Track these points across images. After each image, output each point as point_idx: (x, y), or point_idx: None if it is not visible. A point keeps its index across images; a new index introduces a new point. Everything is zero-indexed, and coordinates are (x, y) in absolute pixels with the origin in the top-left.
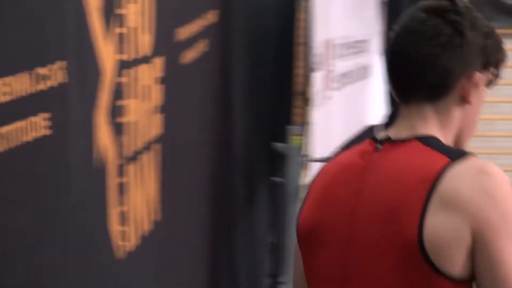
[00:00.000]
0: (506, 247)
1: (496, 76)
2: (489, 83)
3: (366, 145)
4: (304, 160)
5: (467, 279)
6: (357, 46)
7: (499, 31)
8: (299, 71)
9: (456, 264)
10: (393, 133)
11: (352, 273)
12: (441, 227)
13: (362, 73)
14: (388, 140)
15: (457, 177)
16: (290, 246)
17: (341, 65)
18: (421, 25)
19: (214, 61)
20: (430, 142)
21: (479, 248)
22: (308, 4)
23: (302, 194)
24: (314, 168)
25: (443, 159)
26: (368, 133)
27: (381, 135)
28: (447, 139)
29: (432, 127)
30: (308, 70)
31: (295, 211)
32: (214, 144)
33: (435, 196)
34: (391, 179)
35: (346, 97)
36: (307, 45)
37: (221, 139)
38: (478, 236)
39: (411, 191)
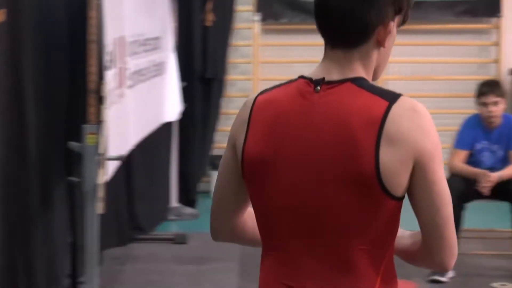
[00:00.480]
0: (439, 169)
1: (406, 17)
2: (400, 25)
3: (302, 85)
4: (100, 159)
5: (403, 197)
6: (150, 44)
7: (293, 27)
8: (92, 69)
9: (401, 187)
10: (325, 75)
11: (308, 199)
12: (392, 159)
13: (156, 70)
14: (323, 81)
15: (397, 117)
16: (89, 245)
17: (135, 63)
18: None
19: (2, 61)
20: (361, 83)
21: (418, 172)
22: (100, 1)
23: (100, 193)
24: (110, 167)
25: (382, 102)
26: (166, 130)
27: (314, 76)
28: (369, 77)
29: (357, 69)
30: (101, 68)
31: (93, 210)
32: (7, 144)
33: (383, 135)
34: (339, 119)
35: (141, 94)
36: (99, 43)
37: (14, 139)
38: (417, 163)
39: (363, 132)
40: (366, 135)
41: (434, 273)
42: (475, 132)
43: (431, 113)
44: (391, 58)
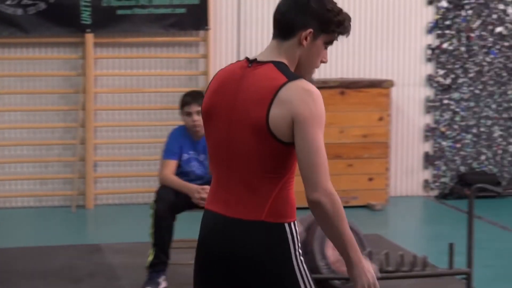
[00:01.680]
0: (312, 131)
1: (330, 41)
2: (327, 43)
3: (243, 62)
4: None
5: (290, 143)
6: None
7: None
8: None
9: (286, 136)
10: (260, 57)
11: (231, 141)
12: (276, 115)
13: None
14: (255, 61)
15: (288, 89)
16: None
17: None
18: (290, 1)
19: None
20: (279, 66)
21: (296, 130)
22: None
23: None
24: None
25: (284, 78)
26: None
27: (253, 58)
28: (290, 66)
29: (281, 56)
30: None
31: None
32: None
33: (276, 98)
34: (255, 85)
35: None
36: None
37: None
38: (295, 122)
39: (265, 95)
40: (266, 97)
41: (147, 284)
42: (181, 143)
43: (142, 126)
44: (98, 71)
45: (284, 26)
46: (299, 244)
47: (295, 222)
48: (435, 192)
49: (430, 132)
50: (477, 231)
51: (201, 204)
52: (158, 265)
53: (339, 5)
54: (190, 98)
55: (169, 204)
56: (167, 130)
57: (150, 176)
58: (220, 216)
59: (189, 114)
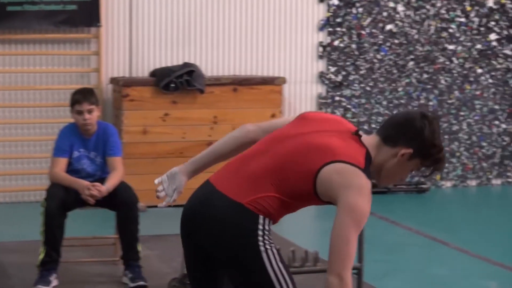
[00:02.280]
0: (348, 222)
1: (419, 168)
2: (415, 169)
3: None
4: None
5: (322, 201)
6: None
7: None
8: None
9: (324, 196)
10: (363, 138)
11: (286, 149)
12: (327, 179)
13: None
14: (359, 135)
15: (355, 172)
16: None
17: None
18: (411, 118)
19: None
20: (367, 154)
21: (337, 212)
22: None
23: None
24: None
25: (361, 162)
26: None
27: (359, 133)
28: (374, 165)
29: (375, 153)
30: None
31: None
32: None
33: (339, 165)
34: (343, 144)
35: None
36: None
37: None
38: (338, 203)
39: (339, 156)
40: (337, 157)
41: (38, 282)
42: (72, 140)
43: (33, 123)
44: None
45: (392, 134)
46: (270, 237)
47: (270, 221)
48: None
49: None
50: (368, 227)
51: (91, 201)
52: (49, 263)
53: (229, 5)
54: (81, 96)
55: (59, 202)
56: (58, 128)
57: (42, 174)
58: (212, 187)
59: (79, 112)
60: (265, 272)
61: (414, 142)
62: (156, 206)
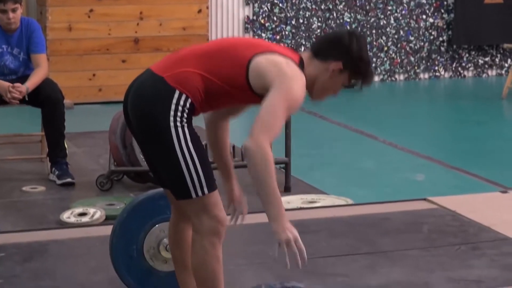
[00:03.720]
0: (279, 98)
1: (349, 83)
2: (345, 82)
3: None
4: None
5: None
6: None
7: None
8: None
9: (257, 88)
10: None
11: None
12: (260, 67)
13: None
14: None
15: (284, 62)
16: None
17: None
18: (340, 35)
19: None
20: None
21: (269, 92)
22: None
23: None
24: None
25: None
26: None
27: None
28: (305, 73)
29: (308, 66)
30: None
31: None
32: None
33: (271, 54)
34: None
35: None
36: None
37: None
38: (271, 87)
39: (271, 47)
40: (267, 49)
41: None
42: None
43: None
44: None
45: (323, 49)
46: (185, 116)
47: (189, 99)
48: None
49: (249, 24)
50: (295, 121)
51: (14, 103)
52: None
53: None
54: None
55: None
56: None
57: None
58: (147, 69)
59: (3, 11)
60: (172, 149)
61: (344, 56)
62: (83, 103)
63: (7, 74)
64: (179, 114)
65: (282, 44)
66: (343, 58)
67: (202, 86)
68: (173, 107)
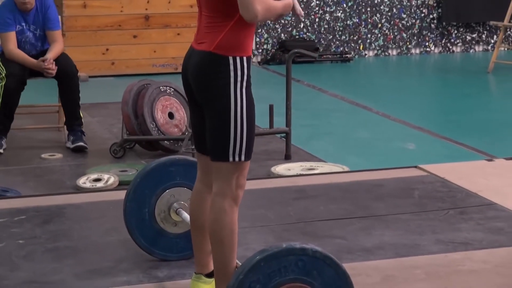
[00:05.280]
0: None
1: None
2: None
3: None
4: None
5: None
6: None
7: None
8: None
9: None
10: None
11: None
12: None
13: None
14: None
15: None
16: None
17: None
18: None
19: None
20: None
21: None
22: None
23: None
24: None
25: None
26: None
27: None
28: None
29: None
30: None
31: None
32: None
33: None
34: None
35: None
36: None
37: None
38: None
39: None
40: None
41: None
42: (13, 15)
43: None
44: None
45: None
46: (245, 77)
47: (244, 57)
48: (258, 59)
49: None
50: (296, 94)
51: (51, 75)
52: (1, 131)
53: None
54: None
55: (18, 79)
56: None
57: None
58: (191, 48)
59: None
60: (227, 114)
61: None
62: (97, 76)
63: (28, 50)
64: (239, 78)
65: None
66: None
67: (240, 33)
68: (231, 73)
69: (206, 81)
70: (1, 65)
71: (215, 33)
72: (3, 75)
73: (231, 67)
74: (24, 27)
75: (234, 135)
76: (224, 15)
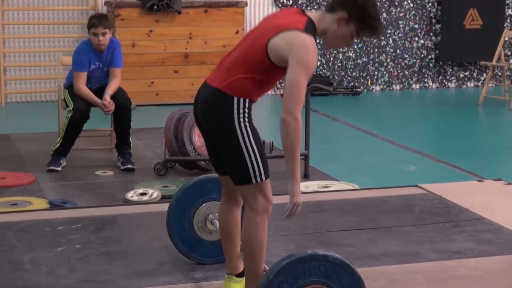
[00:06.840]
0: (298, 71)
1: (358, 34)
2: (354, 33)
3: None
4: None
5: (277, 66)
6: None
7: None
8: None
9: (277, 61)
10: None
11: (246, 42)
12: (277, 45)
13: None
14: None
15: (296, 34)
16: None
17: None
18: None
19: None
20: (308, 22)
21: (288, 65)
22: None
23: None
24: None
25: (301, 27)
26: None
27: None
28: (319, 28)
29: (320, 22)
30: None
31: None
32: None
33: (282, 34)
34: (282, 18)
35: None
36: None
37: None
38: (289, 59)
39: (279, 28)
40: (279, 29)
41: (50, 164)
42: (89, 55)
43: (46, 37)
44: None
45: (333, 3)
46: (246, 114)
47: (247, 99)
48: (281, 91)
49: None
50: (313, 121)
51: (108, 113)
52: (62, 152)
53: None
54: (96, 21)
55: (83, 115)
56: (63, 41)
57: (51, 79)
58: (205, 83)
59: (95, 34)
60: (239, 146)
61: (349, 6)
62: (144, 105)
63: (94, 83)
64: (241, 115)
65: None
66: (348, 8)
67: (251, 84)
68: (235, 111)
69: (210, 113)
70: (70, 99)
71: (231, 76)
72: (71, 108)
73: (235, 106)
74: (97, 66)
75: (250, 161)
76: (248, 68)
